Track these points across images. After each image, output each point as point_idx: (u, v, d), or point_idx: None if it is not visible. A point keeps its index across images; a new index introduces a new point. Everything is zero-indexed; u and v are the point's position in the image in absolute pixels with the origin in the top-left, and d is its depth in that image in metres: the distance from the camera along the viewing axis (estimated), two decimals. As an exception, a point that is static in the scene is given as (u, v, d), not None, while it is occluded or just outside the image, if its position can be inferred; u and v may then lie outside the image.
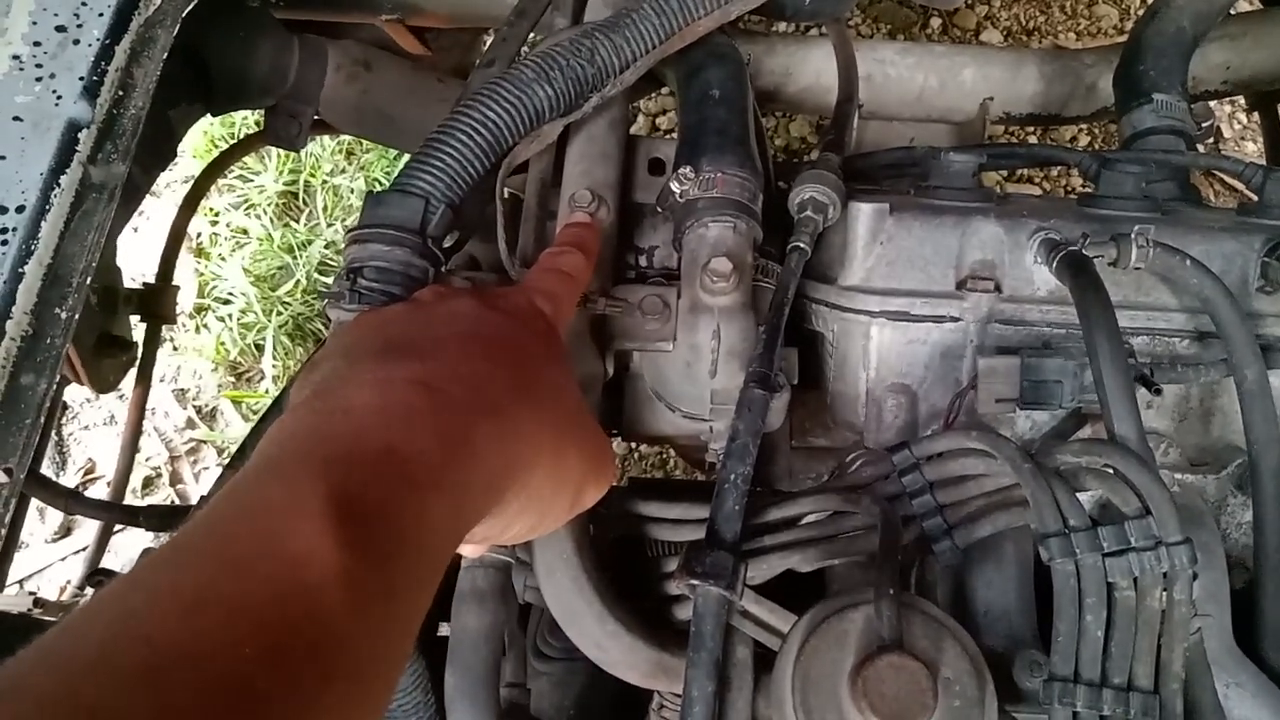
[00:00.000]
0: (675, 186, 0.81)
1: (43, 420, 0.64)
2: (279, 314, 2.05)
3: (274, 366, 2.07)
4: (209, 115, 1.10)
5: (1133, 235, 0.78)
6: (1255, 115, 1.77)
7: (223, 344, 2.08)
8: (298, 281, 2.09)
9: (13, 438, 0.62)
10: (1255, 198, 0.90)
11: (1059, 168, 2.18)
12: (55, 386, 0.64)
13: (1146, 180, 0.95)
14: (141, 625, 0.36)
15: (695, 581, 0.69)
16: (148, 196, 2.19)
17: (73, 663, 0.34)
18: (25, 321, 0.65)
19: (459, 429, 0.49)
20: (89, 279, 0.68)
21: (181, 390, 2.08)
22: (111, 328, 1.47)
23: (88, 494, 1.92)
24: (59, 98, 0.70)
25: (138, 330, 1.50)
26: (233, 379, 2.08)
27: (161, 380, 2.07)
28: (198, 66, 1.04)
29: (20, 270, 0.65)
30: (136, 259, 1.96)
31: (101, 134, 0.71)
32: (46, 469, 1.95)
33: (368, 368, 0.51)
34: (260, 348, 2.08)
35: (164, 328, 2.13)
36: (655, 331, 0.79)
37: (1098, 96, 1.26)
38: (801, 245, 0.82)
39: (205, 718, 0.35)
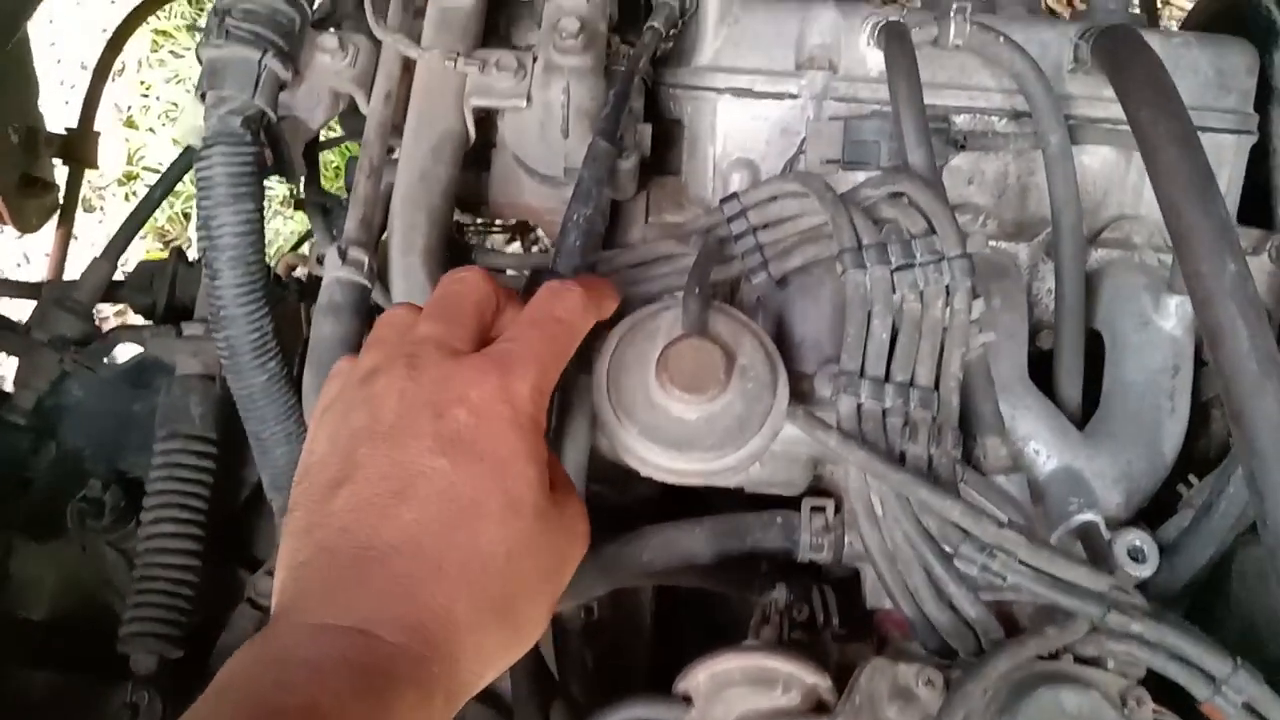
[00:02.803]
0: (535, -39, 0.87)
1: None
2: (208, 185, 2.10)
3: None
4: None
5: (952, 12, 0.85)
6: None
7: (152, 211, 2.13)
8: (227, 154, 2.12)
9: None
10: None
11: None
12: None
13: (1002, 6, 1.02)
14: None
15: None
16: (78, 69, 2.22)
17: None
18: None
19: (391, 682, 0.50)
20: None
21: (111, 256, 2.12)
22: (33, 169, 1.51)
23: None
24: None
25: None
26: (160, 244, 2.12)
27: (91, 246, 2.11)
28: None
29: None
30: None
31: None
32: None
33: (313, 599, 0.53)
34: (188, 216, 2.12)
35: (94, 196, 2.18)
36: (510, 89, 0.85)
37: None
38: (656, 26, 0.89)
39: None
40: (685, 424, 0.70)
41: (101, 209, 2.17)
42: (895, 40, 0.81)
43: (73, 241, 1.69)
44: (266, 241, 0.84)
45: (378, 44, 0.86)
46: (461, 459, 0.56)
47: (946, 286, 0.74)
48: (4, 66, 1.35)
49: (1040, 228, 0.91)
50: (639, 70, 0.87)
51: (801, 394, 0.76)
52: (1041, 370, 0.88)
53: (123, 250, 0.97)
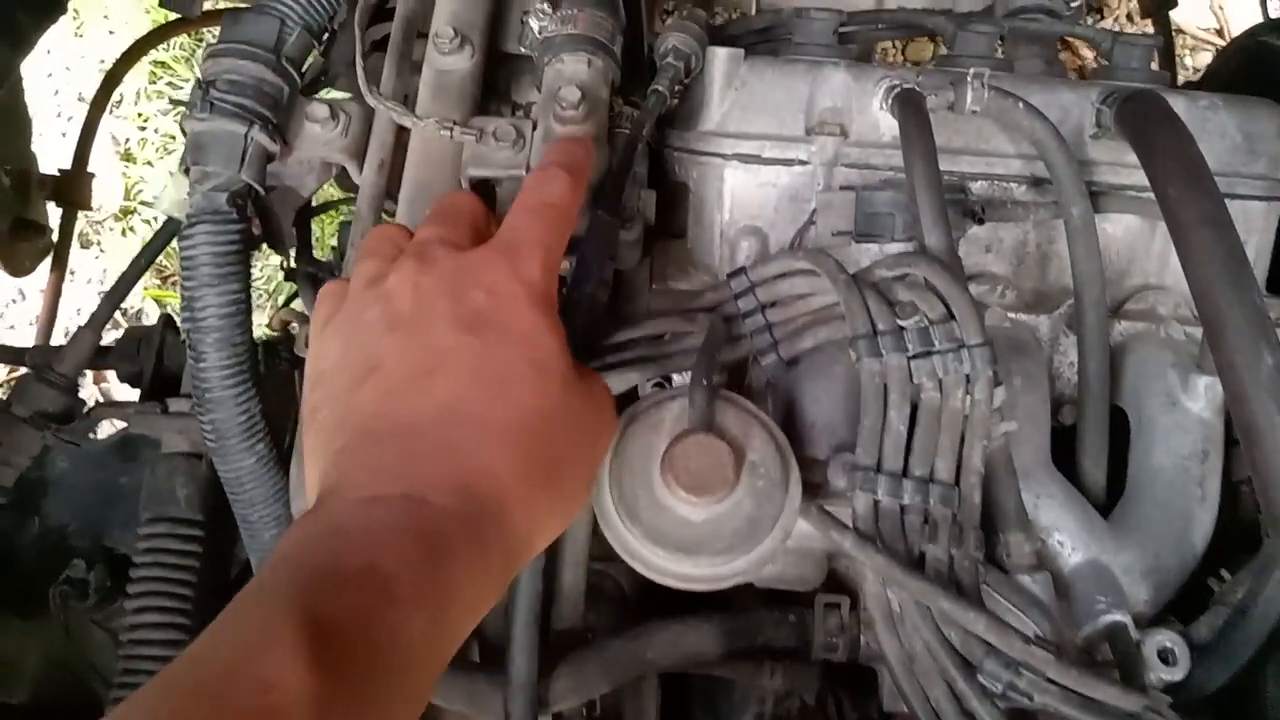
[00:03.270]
0: (534, 23, 0.84)
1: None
2: (205, 219, 2.07)
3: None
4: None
5: (969, 78, 0.81)
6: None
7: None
8: (225, 188, 2.10)
9: None
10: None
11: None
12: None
13: (1016, 59, 0.99)
14: None
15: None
16: (75, 102, 2.19)
17: None
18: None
19: (444, 541, 0.51)
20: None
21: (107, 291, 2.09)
22: (26, 212, 1.48)
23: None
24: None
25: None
26: (158, 280, 2.09)
27: (88, 282, 2.08)
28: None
29: None
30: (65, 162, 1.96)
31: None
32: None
33: (360, 476, 0.53)
34: (187, 252, 2.09)
35: (91, 231, 2.15)
36: (508, 159, 0.81)
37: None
38: (660, 89, 0.85)
39: None
40: (692, 526, 0.66)
41: (98, 244, 2.13)
42: (911, 112, 0.77)
43: (69, 277, 1.66)
44: (261, 284, 0.80)
45: (371, 110, 0.82)
46: (487, 334, 0.57)
47: (966, 375, 0.70)
48: (-4, 110, 1.33)
49: (1062, 298, 0.87)
50: (642, 138, 0.83)
51: (814, 484, 0.73)
52: (1063, 445, 0.84)
53: (107, 320, 0.93)
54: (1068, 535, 0.78)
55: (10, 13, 0.96)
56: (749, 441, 0.68)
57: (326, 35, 0.87)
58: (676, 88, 0.88)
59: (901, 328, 0.71)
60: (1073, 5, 1.07)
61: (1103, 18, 2.30)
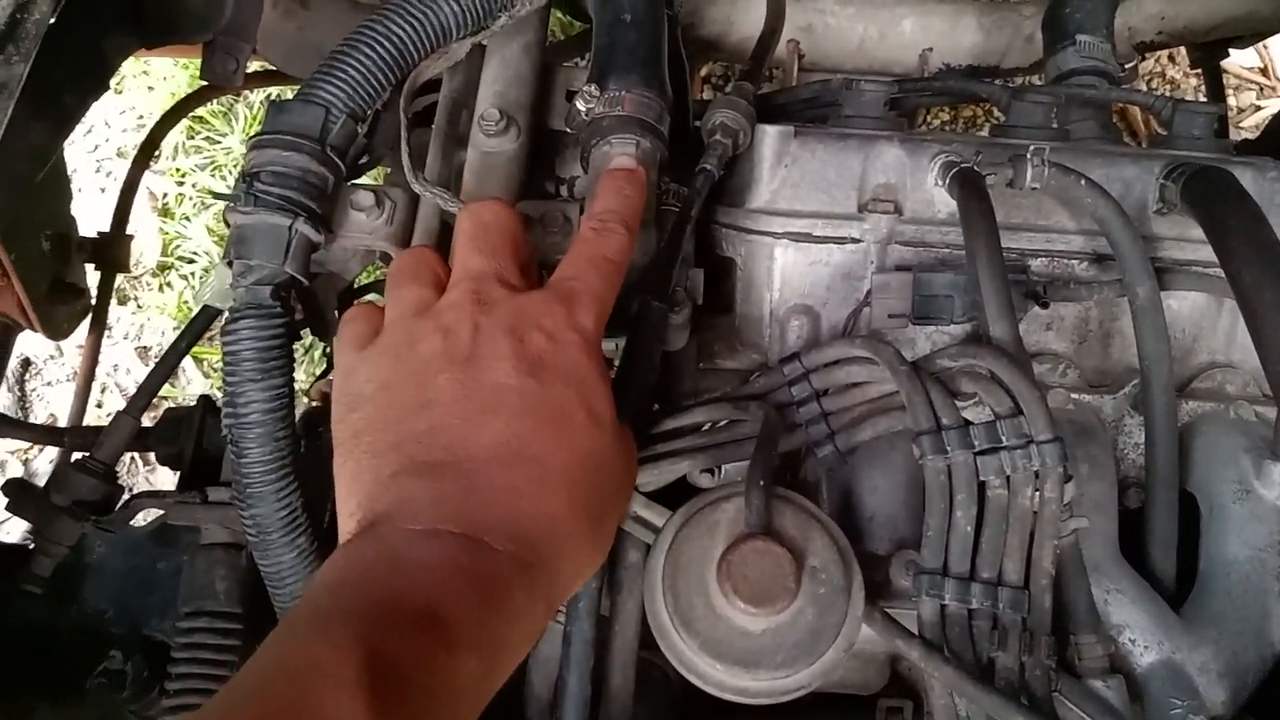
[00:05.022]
0: (581, 105, 0.82)
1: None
2: (243, 274, 2.07)
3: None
4: (145, 49, 1.10)
5: (1028, 155, 0.79)
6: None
7: (185, 302, 2.09)
8: (262, 242, 2.10)
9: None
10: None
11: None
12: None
13: (1070, 122, 0.96)
14: None
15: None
16: (114, 158, 2.21)
17: None
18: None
19: (502, 588, 0.52)
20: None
21: (144, 347, 2.09)
22: (65, 274, 1.48)
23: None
24: (-39, 2, 0.71)
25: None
26: (196, 335, 2.09)
27: (125, 338, 2.09)
28: (131, -4, 1.05)
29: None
30: (104, 218, 1.97)
31: (3, 38, 0.72)
32: (10, 425, 1.95)
33: (418, 506, 0.54)
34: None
35: (129, 287, 2.16)
36: (556, 245, 0.80)
37: (1035, 48, 1.26)
38: (708, 167, 0.83)
39: None
40: (751, 637, 0.64)
41: (135, 300, 2.14)
42: (971, 193, 0.75)
43: (106, 333, 1.66)
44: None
45: (415, 195, 0.81)
46: (546, 377, 0.59)
47: (1035, 472, 0.67)
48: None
49: (1126, 378, 0.84)
50: (691, 219, 0.81)
51: (875, 583, 0.70)
52: (1128, 527, 0.81)
53: (147, 405, 0.92)
54: (1140, 633, 0.74)
55: (56, 93, 0.95)
56: (809, 545, 0.66)
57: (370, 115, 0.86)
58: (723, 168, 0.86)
59: (967, 423, 0.68)
60: (1127, 67, 1.05)
61: (1144, 59, 2.26)
